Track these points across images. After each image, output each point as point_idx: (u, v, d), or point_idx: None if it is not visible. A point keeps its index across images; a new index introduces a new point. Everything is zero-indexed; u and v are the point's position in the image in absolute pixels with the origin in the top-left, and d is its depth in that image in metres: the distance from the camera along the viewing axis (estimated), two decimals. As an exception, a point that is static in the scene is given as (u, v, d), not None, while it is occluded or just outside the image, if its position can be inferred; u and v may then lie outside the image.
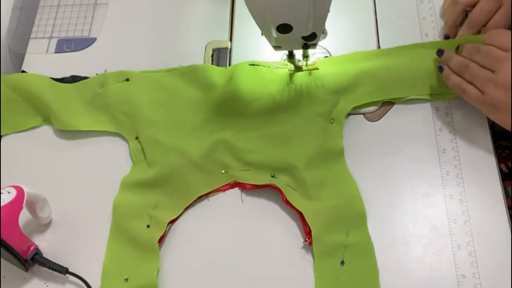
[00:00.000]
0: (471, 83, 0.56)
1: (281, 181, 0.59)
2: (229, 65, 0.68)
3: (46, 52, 0.73)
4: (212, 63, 0.68)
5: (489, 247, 0.54)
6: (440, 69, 0.60)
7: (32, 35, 0.75)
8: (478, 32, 0.61)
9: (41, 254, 0.58)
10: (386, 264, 0.54)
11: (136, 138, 0.64)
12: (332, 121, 0.61)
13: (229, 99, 0.63)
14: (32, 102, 0.67)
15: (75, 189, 0.63)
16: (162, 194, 0.60)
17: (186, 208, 0.60)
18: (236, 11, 0.72)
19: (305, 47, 0.59)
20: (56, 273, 0.57)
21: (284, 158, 0.60)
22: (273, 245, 0.57)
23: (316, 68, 0.64)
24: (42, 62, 0.72)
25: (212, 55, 0.69)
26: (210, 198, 0.61)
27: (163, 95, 0.66)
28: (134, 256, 0.57)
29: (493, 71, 0.54)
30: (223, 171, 0.61)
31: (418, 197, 0.57)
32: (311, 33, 0.55)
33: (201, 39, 0.70)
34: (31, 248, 0.56)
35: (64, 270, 0.56)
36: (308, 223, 0.56)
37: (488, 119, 0.60)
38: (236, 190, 0.61)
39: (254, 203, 0.60)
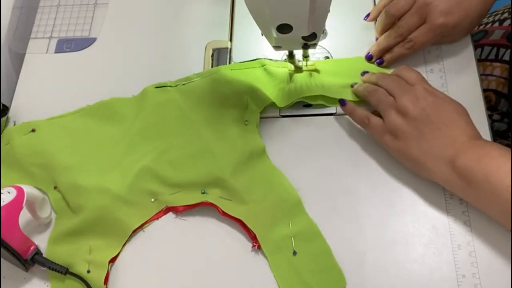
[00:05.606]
0: (373, 113, 0.60)
1: (212, 196, 0.58)
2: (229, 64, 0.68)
3: (46, 52, 0.73)
4: (212, 63, 0.68)
5: (489, 247, 0.54)
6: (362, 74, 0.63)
7: (32, 35, 0.75)
8: (401, 41, 0.63)
9: (41, 254, 0.58)
10: (386, 264, 0.54)
11: (55, 187, 0.61)
12: (246, 123, 0.61)
13: (143, 126, 0.63)
14: None
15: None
16: (94, 238, 0.58)
17: (124, 244, 0.58)
18: (236, 11, 0.72)
19: (305, 47, 0.59)
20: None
21: (210, 172, 0.59)
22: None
23: (316, 70, 0.64)
24: (42, 62, 0.72)
25: (212, 55, 0.69)
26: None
27: (74, 138, 0.64)
28: None
29: (395, 99, 0.57)
30: (153, 199, 0.60)
31: (418, 197, 0.57)
32: (311, 33, 0.55)
33: (201, 39, 0.70)
34: (31, 248, 0.56)
35: (64, 270, 0.56)
36: (250, 227, 0.56)
37: (488, 119, 0.60)
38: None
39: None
